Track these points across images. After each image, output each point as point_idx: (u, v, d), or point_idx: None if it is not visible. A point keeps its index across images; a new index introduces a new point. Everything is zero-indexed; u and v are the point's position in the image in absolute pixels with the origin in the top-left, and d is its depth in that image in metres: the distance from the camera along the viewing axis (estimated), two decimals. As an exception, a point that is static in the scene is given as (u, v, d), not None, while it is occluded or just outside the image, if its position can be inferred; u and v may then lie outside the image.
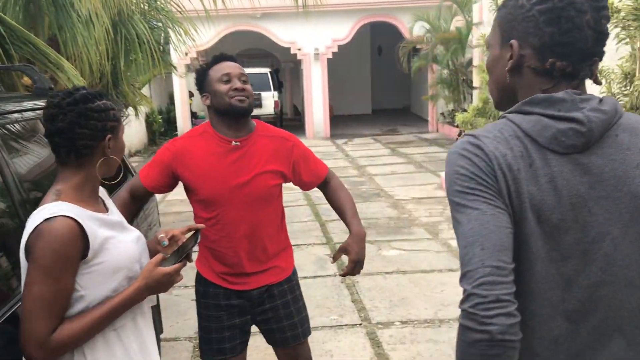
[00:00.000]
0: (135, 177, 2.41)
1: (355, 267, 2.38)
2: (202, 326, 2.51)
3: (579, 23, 1.13)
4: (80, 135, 1.57)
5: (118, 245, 1.62)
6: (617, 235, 1.13)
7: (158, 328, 3.50)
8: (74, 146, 1.58)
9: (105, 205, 1.74)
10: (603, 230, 1.12)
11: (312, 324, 4.31)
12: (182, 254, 1.72)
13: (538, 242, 1.11)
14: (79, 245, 1.51)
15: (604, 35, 1.17)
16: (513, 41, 1.18)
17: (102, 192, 1.77)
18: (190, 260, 1.77)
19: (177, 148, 2.36)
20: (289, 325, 2.54)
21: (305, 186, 2.56)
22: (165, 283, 1.64)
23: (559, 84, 1.17)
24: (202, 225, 1.90)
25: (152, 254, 1.77)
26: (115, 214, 1.75)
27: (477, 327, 1.03)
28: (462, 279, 1.09)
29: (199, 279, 2.53)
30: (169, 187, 2.43)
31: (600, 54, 1.19)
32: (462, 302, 1.07)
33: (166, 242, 1.78)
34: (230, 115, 2.34)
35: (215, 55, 2.44)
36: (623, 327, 1.15)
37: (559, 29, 1.14)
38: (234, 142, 2.34)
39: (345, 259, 2.46)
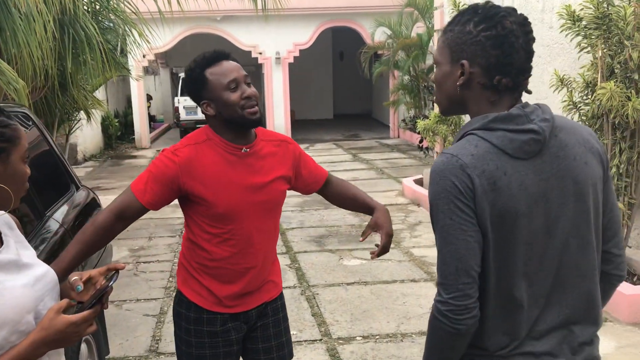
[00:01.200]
0: (126, 194, 2.09)
1: (389, 241, 2.32)
2: (195, 355, 2.23)
3: (517, 46, 1.38)
4: None
5: (2, 293, 1.33)
6: (569, 215, 1.43)
7: (103, 350, 3.26)
8: None
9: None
10: (559, 212, 1.42)
11: (270, 339, 4.17)
12: (95, 299, 1.42)
13: (521, 230, 1.38)
14: None
15: (532, 53, 1.43)
16: (464, 61, 1.40)
17: (3, 221, 1.48)
18: (105, 307, 1.47)
19: (182, 159, 2.07)
20: (277, 345, 2.33)
21: (307, 188, 2.38)
22: (70, 335, 1.33)
23: (503, 96, 1.43)
24: (122, 265, 1.60)
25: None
26: (10, 251, 1.42)
27: (449, 324, 1.36)
28: (439, 286, 1.38)
29: (188, 305, 2.23)
30: (169, 202, 2.14)
31: (530, 69, 1.44)
32: (439, 302, 1.37)
33: (81, 287, 1.48)
34: (244, 127, 2.12)
35: (209, 54, 2.17)
36: (575, 281, 1.47)
37: (502, 52, 1.37)
38: (244, 149, 2.12)
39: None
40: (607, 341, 3.81)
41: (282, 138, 2.30)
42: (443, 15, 8.25)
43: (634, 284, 4.45)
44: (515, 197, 1.36)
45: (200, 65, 2.14)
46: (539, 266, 1.42)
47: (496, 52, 1.37)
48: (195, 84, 2.14)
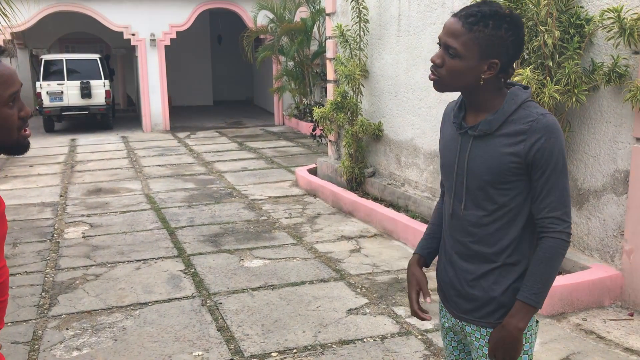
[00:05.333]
0: None
1: None
2: None
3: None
4: None
5: None
6: None
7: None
8: None
9: None
10: None
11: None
12: None
13: None
14: None
15: None
16: (496, 60, 1.68)
17: None
18: None
19: None
20: None
21: None
22: None
23: (507, 79, 1.76)
24: None
25: None
26: None
27: (569, 241, 1.75)
28: (565, 215, 1.73)
29: None
30: None
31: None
32: (568, 227, 1.74)
33: None
34: (13, 153, 1.60)
35: None
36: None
37: (517, 51, 1.72)
38: None
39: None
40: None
41: None
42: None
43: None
44: None
45: None
46: None
47: (514, 51, 1.70)
48: None
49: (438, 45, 1.74)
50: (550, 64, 4.21)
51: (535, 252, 1.74)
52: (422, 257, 1.99)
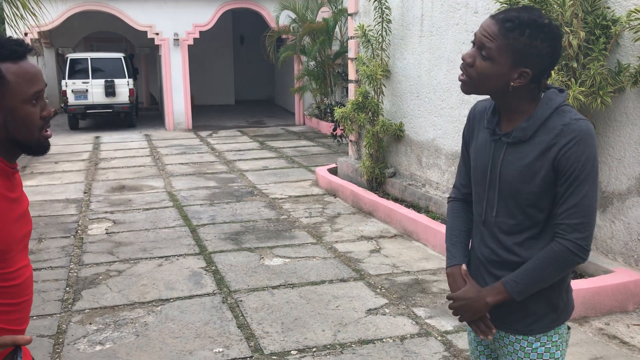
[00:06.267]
0: None
1: None
2: None
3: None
4: None
5: None
6: None
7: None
8: None
9: None
10: None
11: (194, 363, 3.64)
12: None
13: None
14: None
15: None
16: (528, 70, 1.63)
17: None
18: None
19: None
20: None
21: None
22: None
23: (539, 89, 1.70)
24: (26, 339, 1.13)
25: None
26: None
27: (584, 257, 1.67)
28: (583, 225, 1.64)
29: None
30: None
31: None
32: (581, 239, 1.65)
33: None
34: (34, 153, 1.61)
35: (6, 42, 1.53)
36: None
37: (552, 62, 1.66)
38: (16, 168, 1.62)
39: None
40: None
41: None
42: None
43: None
44: None
45: None
46: None
47: (548, 63, 1.65)
48: None
49: (472, 44, 1.69)
50: (575, 65, 4.17)
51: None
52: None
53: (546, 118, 1.66)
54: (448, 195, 6.23)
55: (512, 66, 1.62)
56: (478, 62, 1.65)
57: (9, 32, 12.02)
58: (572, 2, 4.11)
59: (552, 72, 4.05)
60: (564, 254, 1.65)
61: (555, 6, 4.18)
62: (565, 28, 4.11)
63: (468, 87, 1.70)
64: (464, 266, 1.86)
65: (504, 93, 1.66)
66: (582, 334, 3.86)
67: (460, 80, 1.71)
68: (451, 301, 1.82)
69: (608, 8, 4.23)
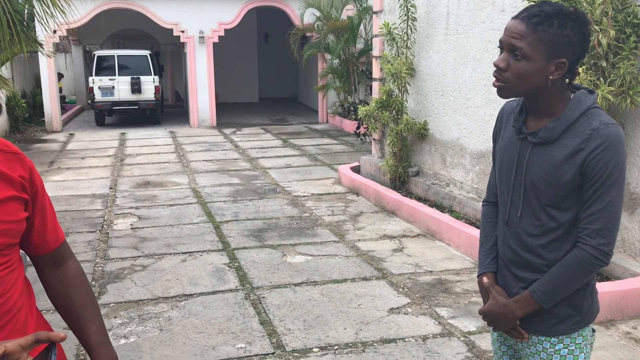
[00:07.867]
0: None
1: None
2: None
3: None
4: None
5: None
6: None
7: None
8: None
9: None
10: None
11: (215, 355, 3.67)
12: None
13: None
14: None
15: None
16: (564, 60, 1.63)
17: None
18: None
19: None
20: None
21: (30, 244, 1.53)
22: None
23: (572, 79, 1.71)
24: (61, 335, 1.13)
25: None
26: None
27: (606, 262, 1.66)
28: (607, 231, 1.64)
29: None
30: None
31: None
32: (603, 244, 1.64)
33: None
34: None
35: None
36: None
37: (583, 50, 1.65)
38: None
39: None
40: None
41: (12, 148, 1.49)
42: (383, -4, 7.91)
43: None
44: None
45: None
46: None
47: (581, 49, 1.64)
48: None
49: (499, 50, 1.68)
50: (604, 64, 4.10)
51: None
52: (494, 274, 1.88)
53: (574, 120, 1.64)
54: (472, 195, 6.20)
55: (548, 59, 1.61)
56: (513, 64, 1.63)
57: (39, 29, 12.24)
58: (601, 0, 4.04)
59: (581, 70, 4.01)
60: (587, 259, 1.65)
61: (584, 4, 4.12)
62: (595, 27, 4.05)
63: (505, 91, 1.68)
64: (485, 279, 1.85)
65: (544, 89, 1.65)
66: (608, 337, 3.80)
67: (495, 86, 1.69)
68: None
69: (639, 6, 4.16)
